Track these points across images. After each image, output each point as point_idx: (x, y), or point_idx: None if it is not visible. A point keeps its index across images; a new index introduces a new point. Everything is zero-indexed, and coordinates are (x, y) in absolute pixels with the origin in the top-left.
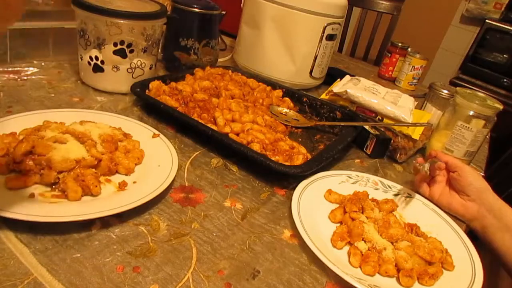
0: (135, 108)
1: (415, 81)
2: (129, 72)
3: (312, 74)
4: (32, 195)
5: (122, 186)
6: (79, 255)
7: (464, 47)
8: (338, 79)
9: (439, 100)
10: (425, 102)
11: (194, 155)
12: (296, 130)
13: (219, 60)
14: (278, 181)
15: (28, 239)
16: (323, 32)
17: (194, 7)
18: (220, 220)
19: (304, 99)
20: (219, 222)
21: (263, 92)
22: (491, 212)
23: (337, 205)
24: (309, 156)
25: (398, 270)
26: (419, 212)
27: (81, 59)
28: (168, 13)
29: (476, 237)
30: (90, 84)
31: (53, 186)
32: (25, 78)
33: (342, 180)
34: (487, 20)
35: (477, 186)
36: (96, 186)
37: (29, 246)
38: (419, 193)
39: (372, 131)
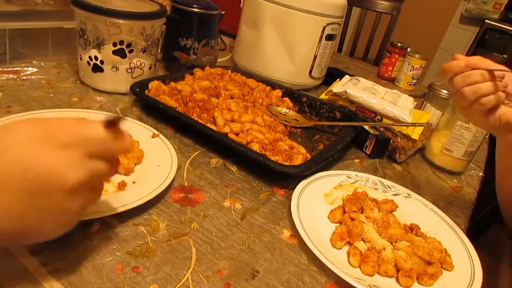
0: (135, 108)
1: (414, 81)
2: (128, 72)
3: (312, 74)
4: None
5: (122, 186)
6: (78, 255)
7: (464, 47)
8: (338, 79)
9: (439, 100)
10: (425, 102)
11: (194, 155)
12: (295, 130)
13: (219, 60)
14: (277, 181)
15: None
16: (323, 32)
17: (194, 7)
18: (219, 220)
19: (304, 99)
20: (218, 222)
21: (263, 92)
22: None
23: (337, 205)
24: (309, 156)
25: (398, 270)
26: (419, 212)
27: (81, 59)
28: (168, 13)
29: (476, 237)
30: (90, 84)
31: None
32: (25, 78)
33: (341, 180)
34: (486, 20)
35: None
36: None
37: (28, 246)
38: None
39: (371, 131)
